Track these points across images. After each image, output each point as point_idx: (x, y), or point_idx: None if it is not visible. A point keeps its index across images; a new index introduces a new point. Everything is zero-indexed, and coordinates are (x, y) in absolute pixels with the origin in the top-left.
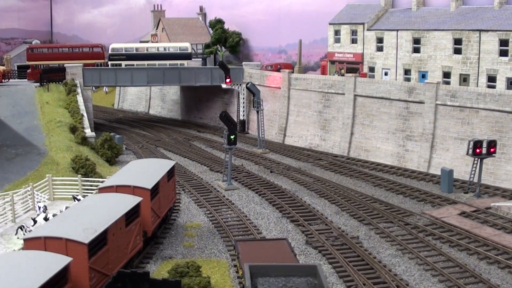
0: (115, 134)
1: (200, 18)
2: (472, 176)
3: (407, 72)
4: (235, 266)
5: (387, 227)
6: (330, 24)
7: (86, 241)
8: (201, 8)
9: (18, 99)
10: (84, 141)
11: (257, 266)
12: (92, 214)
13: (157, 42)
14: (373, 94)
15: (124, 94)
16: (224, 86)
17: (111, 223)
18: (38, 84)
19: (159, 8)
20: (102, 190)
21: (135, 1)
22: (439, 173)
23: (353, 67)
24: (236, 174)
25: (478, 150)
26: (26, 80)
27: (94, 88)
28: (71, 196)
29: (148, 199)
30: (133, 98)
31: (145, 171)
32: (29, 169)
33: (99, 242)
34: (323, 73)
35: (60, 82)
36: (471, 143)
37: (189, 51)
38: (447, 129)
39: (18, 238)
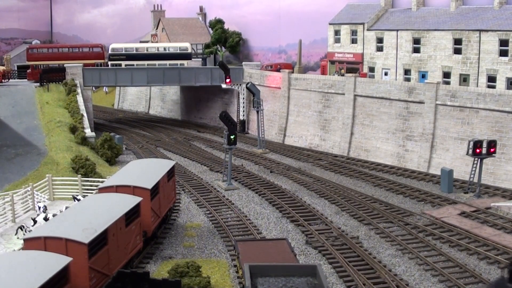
0: (115, 134)
1: (200, 18)
2: (472, 176)
3: (407, 72)
4: (235, 266)
5: (387, 227)
6: (330, 24)
7: (86, 241)
8: (201, 8)
9: (18, 99)
10: (84, 141)
11: (257, 266)
12: (92, 214)
13: (157, 42)
14: (373, 94)
15: (124, 94)
16: (224, 86)
17: (111, 223)
18: (38, 84)
19: (159, 8)
20: (102, 190)
21: (135, 1)
22: (439, 173)
23: (353, 67)
24: (236, 174)
25: (478, 150)
26: (26, 80)
27: (94, 88)
28: (71, 196)
29: (148, 199)
30: (133, 98)
31: (145, 171)
32: (29, 169)
33: (99, 242)
34: (323, 73)
35: (60, 82)
36: (471, 143)
37: (189, 51)
38: (447, 129)
39: (18, 238)
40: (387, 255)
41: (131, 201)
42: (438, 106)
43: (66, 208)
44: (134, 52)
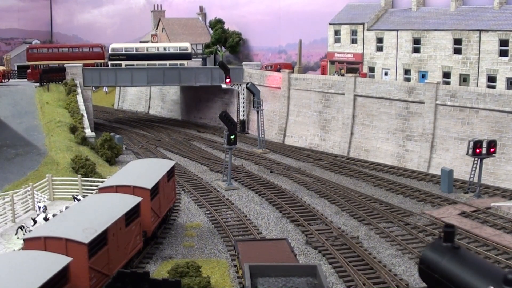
0: (115, 134)
1: (200, 18)
2: (472, 176)
3: (407, 72)
4: (235, 266)
5: (387, 227)
6: (330, 24)
7: (86, 241)
8: (201, 8)
9: (18, 99)
10: (84, 141)
11: (257, 266)
12: (92, 214)
13: (157, 42)
14: (373, 94)
15: (124, 94)
16: (224, 86)
17: (111, 223)
18: (38, 84)
19: (159, 8)
20: (102, 190)
21: (135, 1)
22: (439, 173)
23: (353, 67)
24: (236, 174)
25: (478, 150)
26: (26, 80)
27: (94, 88)
28: (71, 196)
29: (148, 199)
30: (133, 98)
31: (145, 171)
32: (29, 169)
33: (99, 242)
34: (323, 73)
35: (60, 82)
36: (471, 143)
37: (189, 51)
38: (447, 129)
39: (18, 238)
40: (387, 255)
41: (131, 201)
42: (438, 106)
43: (66, 208)
44: (134, 52)
